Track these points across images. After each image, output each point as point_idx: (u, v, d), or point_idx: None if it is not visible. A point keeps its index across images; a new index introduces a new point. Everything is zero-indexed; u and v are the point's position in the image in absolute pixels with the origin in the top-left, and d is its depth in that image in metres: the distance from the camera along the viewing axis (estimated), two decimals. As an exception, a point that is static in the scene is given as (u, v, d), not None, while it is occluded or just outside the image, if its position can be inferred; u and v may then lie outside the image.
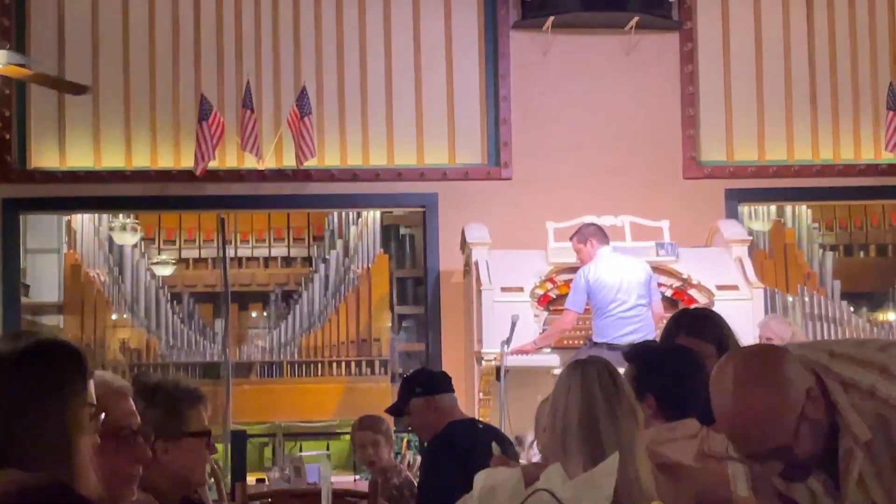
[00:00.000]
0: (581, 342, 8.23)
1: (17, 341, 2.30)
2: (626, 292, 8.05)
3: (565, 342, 8.25)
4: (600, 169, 9.47)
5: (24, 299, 9.76)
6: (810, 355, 2.62)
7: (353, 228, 10.37)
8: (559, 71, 9.59)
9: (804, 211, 10.45)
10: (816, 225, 10.69)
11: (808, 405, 2.52)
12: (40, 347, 2.30)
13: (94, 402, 2.32)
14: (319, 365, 10.11)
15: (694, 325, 4.26)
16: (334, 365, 10.03)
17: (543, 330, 8.35)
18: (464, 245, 8.93)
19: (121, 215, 10.61)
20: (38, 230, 10.88)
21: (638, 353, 3.92)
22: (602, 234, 8.28)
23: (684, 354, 3.87)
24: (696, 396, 3.02)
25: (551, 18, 9.40)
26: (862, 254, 11.21)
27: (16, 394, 2.23)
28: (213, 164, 9.14)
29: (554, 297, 8.55)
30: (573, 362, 3.47)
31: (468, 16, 9.65)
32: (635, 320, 8.05)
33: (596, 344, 8.06)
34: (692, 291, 8.54)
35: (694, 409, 3.19)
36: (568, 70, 9.59)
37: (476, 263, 8.50)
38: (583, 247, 8.25)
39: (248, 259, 11.07)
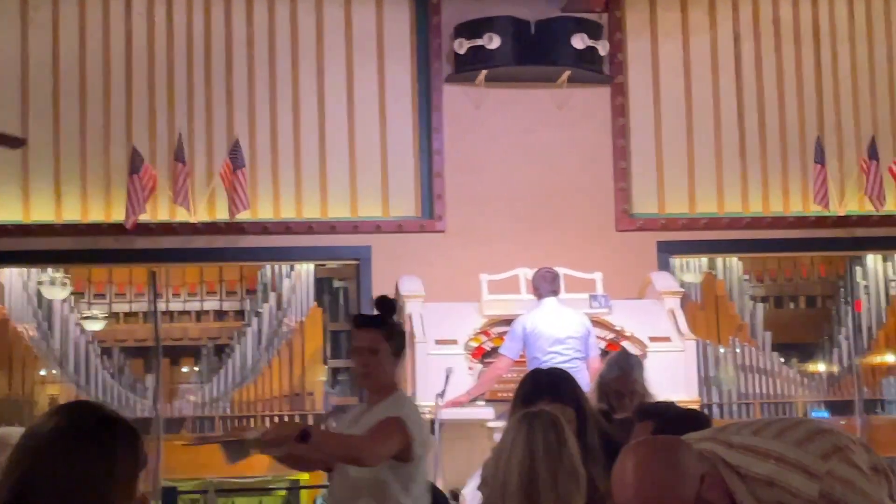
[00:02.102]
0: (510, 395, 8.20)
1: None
2: (562, 344, 8.05)
3: (499, 394, 8.22)
4: (534, 221, 9.51)
5: (-50, 355, 9.57)
6: (707, 447, 2.63)
7: (286, 281, 10.30)
8: (492, 124, 9.64)
9: (735, 263, 10.53)
10: (747, 277, 10.77)
11: (704, 489, 2.54)
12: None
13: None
14: (252, 420, 10.00)
15: (555, 388, 4.24)
16: (267, 420, 9.92)
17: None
18: (398, 298, 8.89)
19: (50, 269, 10.46)
20: (-35, 285, 10.69)
21: (656, 412, 3.86)
22: (549, 283, 8.27)
23: (699, 419, 3.83)
24: None
25: (484, 72, 9.46)
26: (792, 305, 11.30)
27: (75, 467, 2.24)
28: (144, 217, 9.06)
29: (488, 349, 8.54)
30: (523, 413, 3.43)
31: (401, 69, 9.68)
32: (571, 372, 8.01)
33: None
34: (625, 343, 8.55)
35: None
36: (501, 123, 9.65)
37: (410, 316, 8.48)
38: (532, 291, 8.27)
39: (180, 313, 10.95)
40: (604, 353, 8.42)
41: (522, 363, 8.11)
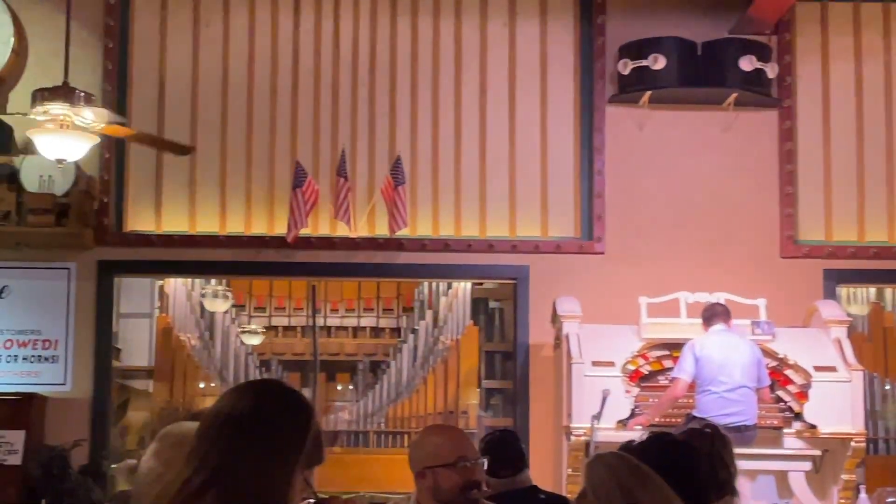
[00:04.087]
0: (680, 419, 8.07)
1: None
2: (730, 372, 7.93)
3: (659, 419, 8.09)
4: (695, 245, 9.35)
5: (115, 363, 9.81)
6: None
7: (442, 299, 10.31)
8: (655, 146, 9.52)
9: (905, 294, 10.22)
10: (917, 309, 10.44)
11: None
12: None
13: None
14: (406, 436, 10.02)
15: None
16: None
17: (635, 407, 8.21)
18: (554, 318, 8.84)
19: (213, 281, 10.67)
20: (132, 294, 10.96)
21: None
22: (719, 314, 8.21)
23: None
24: None
25: (648, 93, 9.35)
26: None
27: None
28: (305, 232, 9.17)
29: (646, 373, 8.42)
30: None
31: (565, 89, 9.63)
32: (737, 402, 7.90)
33: (694, 418, 7.89)
34: (789, 372, 8.35)
35: None
36: (664, 145, 9.52)
37: (567, 337, 8.40)
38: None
39: (338, 328, 11.05)
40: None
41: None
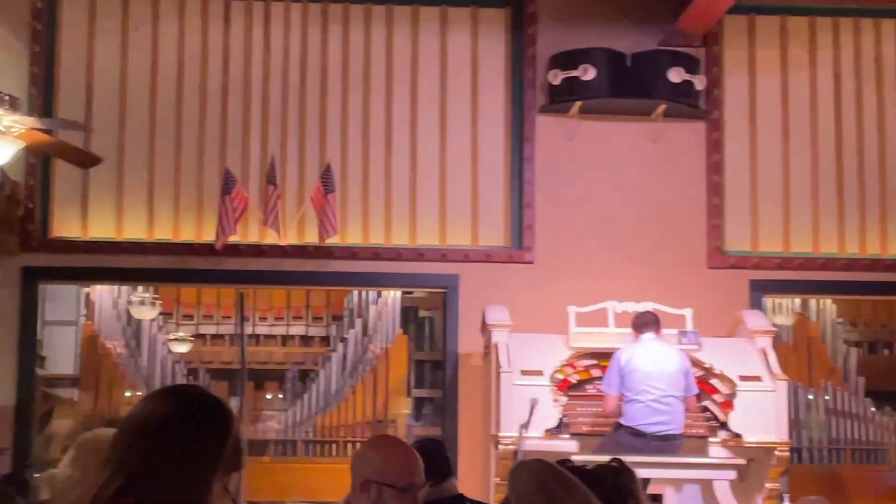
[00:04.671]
0: (609, 428, 8.12)
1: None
2: (657, 381, 7.98)
3: (584, 428, 8.13)
4: (624, 255, 9.41)
5: (39, 371, 9.67)
6: None
7: (372, 308, 10.29)
8: (585, 156, 9.57)
9: (829, 305, 10.33)
10: (841, 320, 10.55)
11: None
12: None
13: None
14: (334, 445, 9.98)
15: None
16: (349, 445, 9.89)
17: (563, 416, 8.24)
18: (484, 328, 8.85)
19: (140, 288, 10.56)
20: (57, 301, 10.84)
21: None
22: (648, 323, 8.26)
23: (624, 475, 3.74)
24: None
25: (578, 103, 9.40)
26: (886, 351, 11.06)
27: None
28: (234, 239, 9.11)
29: (574, 382, 8.45)
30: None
31: (495, 98, 9.66)
32: (665, 410, 7.96)
33: (621, 426, 7.97)
34: (715, 381, 8.42)
35: None
36: (594, 155, 9.57)
37: (496, 346, 8.41)
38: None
39: (266, 337, 10.99)
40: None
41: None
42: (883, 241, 9.68)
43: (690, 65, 9.40)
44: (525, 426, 7.74)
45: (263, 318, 10.96)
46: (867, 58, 9.86)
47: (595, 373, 8.50)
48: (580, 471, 3.71)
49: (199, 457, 2.29)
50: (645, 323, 8.28)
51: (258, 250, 9.35)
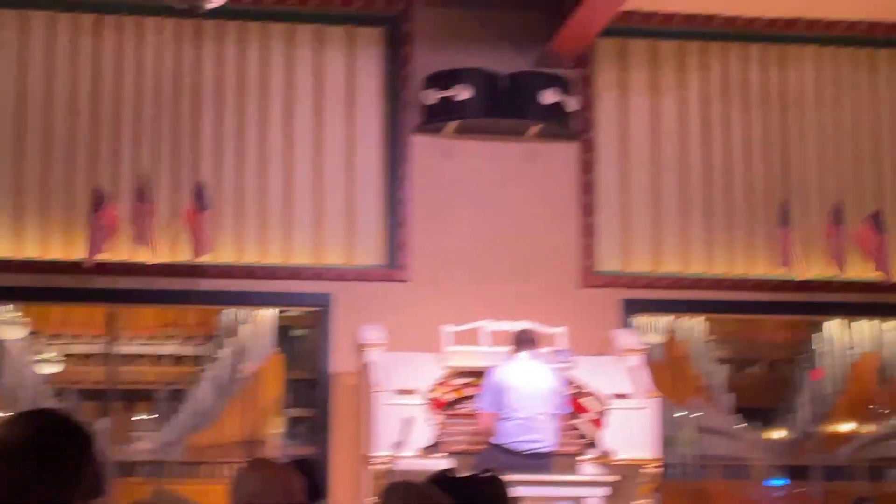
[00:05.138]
0: (483, 446, 8.15)
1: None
2: (531, 399, 8.04)
3: (454, 447, 8.14)
4: (498, 274, 9.47)
5: None
6: None
7: (246, 327, 10.19)
8: (460, 175, 9.63)
9: (698, 324, 10.51)
10: (710, 338, 10.74)
11: None
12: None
13: None
14: (206, 466, 9.85)
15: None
16: (221, 466, 9.77)
17: (437, 435, 8.24)
18: (358, 346, 8.82)
19: (7, 308, 10.30)
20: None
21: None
22: (525, 341, 8.33)
23: (496, 485, 3.76)
24: None
25: (453, 123, 9.46)
26: (753, 369, 11.29)
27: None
28: (104, 257, 8.96)
29: (448, 400, 8.48)
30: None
31: (371, 117, 9.67)
32: (537, 428, 8.02)
33: (494, 446, 8.00)
34: (586, 399, 8.51)
35: None
36: (469, 175, 9.63)
37: (370, 365, 8.41)
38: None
39: (137, 356, 10.80)
40: (565, 407, 8.41)
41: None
42: (749, 261, 9.89)
43: (563, 86, 9.51)
44: (399, 445, 7.74)
45: (134, 338, 10.77)
46: (735, 81, 10.08)
47: (469, 391, 8.54)
48: (461, 481, 3.72)
49: (56, 484, 2.21)
50: (521, 342, 8.35)
51: (129, 268, 9.21)
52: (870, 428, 10.21)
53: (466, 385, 8.57)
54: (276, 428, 10.19)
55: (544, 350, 8.56)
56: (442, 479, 3.78)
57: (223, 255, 9.34)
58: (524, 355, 8.28)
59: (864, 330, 10.53)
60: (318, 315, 9.51)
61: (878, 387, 10.38)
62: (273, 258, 9.43)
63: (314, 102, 9.63)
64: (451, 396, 8.51)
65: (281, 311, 10.17)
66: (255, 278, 9.35)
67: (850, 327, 10.52)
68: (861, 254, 9.47)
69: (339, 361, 9.27)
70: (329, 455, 9.18)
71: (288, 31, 9.66)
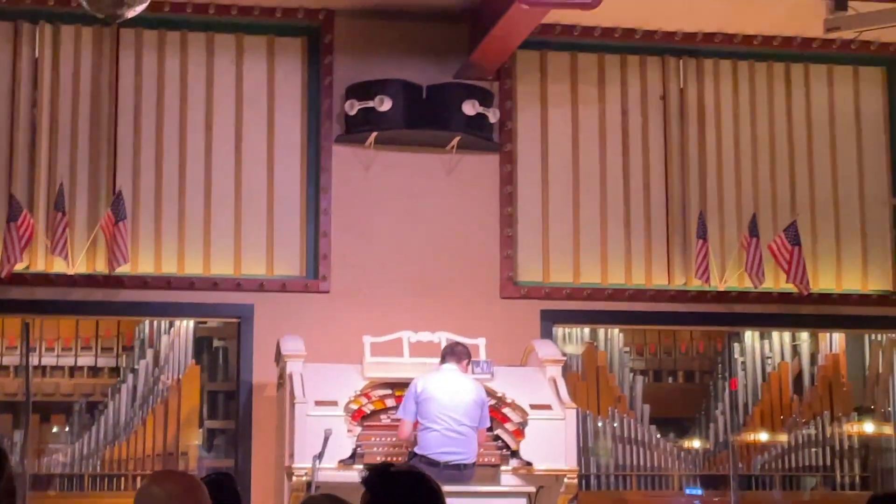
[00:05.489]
0: (402, 458, 8.14)
1: None
2: (452, 411, 8.05)
3: (377, 458, 8.12)
4: (419, 285, 9.48)
5: None
6: None
7: (164, 338, 10.10)
8: (381, 186, 9.62)
9: (617, 334, 10.60)
10: (628, 349, 10.84)
11: None
12: None
13: None
14: (123, 479, 9.74)
15: None
16: (139, 479, 9.66)
17: (357, 446, 8.22)
18: (278, 358, 8.78)
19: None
20: None
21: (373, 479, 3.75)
22: (451, 353, 8.37)
23: (422, 482, 3.75)
24: None
25: (374, 134, 9.45)
26: (671, 379, 11.39)
27: None
28: (19, 267, 8.84)
29: (368, 412, 8.46)
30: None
31: (291, 127, 9.64)
32: (458, 440, 8.02)
33: (415, 455, 7.99)
34: (506, 410, 8.54)
35: None
36: (390, 186, 9.63)
37: (290, 376, 8.36)
38: None
39: (53, 368, 10.66)
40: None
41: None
42: (668, 273, 10.00)
43: (484, 98, 9.55)
44: (319, 457, 7.71)
45: (50, 349, 10.63)
46: (653, 94, 10.19)
47: (390, 402, 8.54)
48: (404, 474, 3.67)
49: None
50: (447, 353, 8.37)
51: (45, 279, 9.10)
52: (785, 437, 10.34)
53: (387, 396, 8.57)
54: (194, 440, 10.10)
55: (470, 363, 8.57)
56: (378, 473, 3.74)
57: (141, 265, 9.26)
58: (449, 367, 8.30)
59: (780, 340, 10.68)
60: (237, 326, 9.45)
61: (793, 397, 10.53)
62: (192, 268, 9.36)
63: (234, 112, 9.58)
64: (372, 408, 8.50)
65: (200, 323, 10.09)
66: (173, 289, 9.28)
67: (765, 338, 10.67)
68: (776, 265, 9.60)
69: (259, 373, 9.22)
70: (249, 467, 9.12)
71: (208, 40, 9.61)
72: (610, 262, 9.95)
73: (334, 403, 8.26)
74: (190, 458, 9.95)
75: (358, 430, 8.31)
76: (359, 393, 8.49)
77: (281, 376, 8.75)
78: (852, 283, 10.27)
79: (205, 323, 10.23)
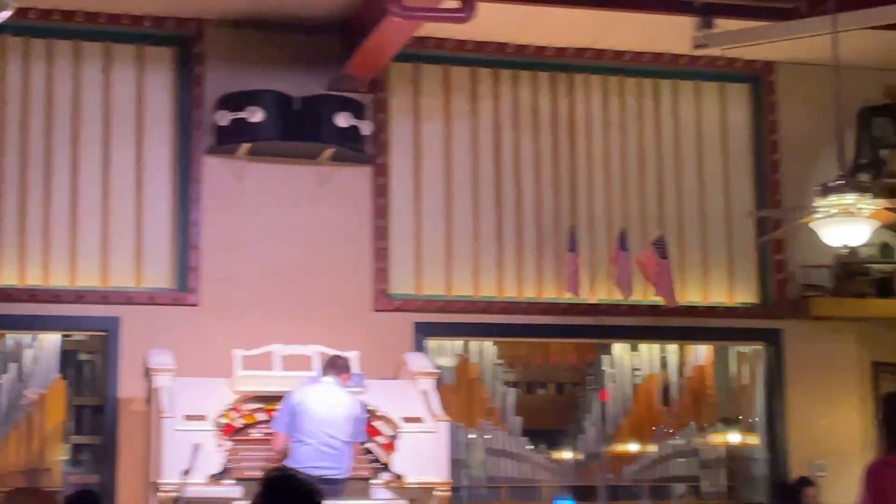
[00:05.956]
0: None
1: None
2: (327, 425, 8.00)
3: (246, 473, 8.04)
4: (291, 298, 9.42)
5: None
6: None
7: (29, 352, 9.87)
8: (253, 198, 9.54)
9: (489, 347, 10.64)
10: (500, 361, 10.88)
11: None
12: None
13: None
14: (-16, 496, 9.49)
15: None
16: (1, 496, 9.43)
17: (227, 461, 8.12)
18: (147, 372, 8.64)
19: None
20: None
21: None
22: (331, 366, 8.32)
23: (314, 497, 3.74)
24: None
25: (246, 145, 9.37)
26: (542, 391, 11.48)
27: None
28: None
29: (239, 426, 8.38)
30: None
31: (161, 138, 9.52)
32: (332, 455, 7.99)
33: (286, 469, 7.90)
34: (378, 423, 8.52)
35: None
36: (262, 198, 9.56)
37: (158, 390, 8.24)
38: None
39: (-88, 383, 10.34)
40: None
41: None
42: (539, 286, 10.08)
43: (357, 110, 9.53)
44: (187, 472, 7.60)
45: None
46: (525, 108, 10.28)
47: (260, 416, 8.46)
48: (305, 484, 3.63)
49: None
50: (327, 366, 8.33)
51: None
52: (653, 448, 10.48)
53: (258, 410, 8.49)
54: (60, 455, 9.89)
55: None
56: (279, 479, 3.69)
57: (5, 277, 9.06)
58: (329, 380, 8.25)
59: (649, 352, 10.82)
60: (104, 339, 9.28)
61: (662, 407, 10.68)
62: (58, 280, 9.17)
63: (102, 121, 9.42)
64: (242, 422, 8.41)
65: (66, 336, 9.89)
66: (38, 301, 9.08)
67: (634, 350, 10.80)
68: (645, 278, 9.74)
69: (126, 387, 9.06)
70: (115, 483, 8.96)
71: (75, 49, 9.43)
72: (482, 275, 10.00)
73: (203, 418, 8.15)
74: (54, 474, 9.74)
75: (228, 444, 8.21)
76: (229, 407, 8.40)
77: (149, 390, 8.60)
78: (718, 295, 10.47)
79: (71, 336, 10.02)
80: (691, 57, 10.25)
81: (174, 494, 7.76)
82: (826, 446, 10.29)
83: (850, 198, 7.89)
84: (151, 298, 9.27)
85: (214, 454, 8.03)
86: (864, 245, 9.77)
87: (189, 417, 8.10)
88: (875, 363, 10.72)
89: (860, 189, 8.01)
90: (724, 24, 9.11)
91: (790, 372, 10.41)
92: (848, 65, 9.43)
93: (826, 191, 7.97)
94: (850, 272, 10.50)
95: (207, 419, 8.17)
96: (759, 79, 10.73)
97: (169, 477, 7.85)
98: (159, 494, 7.91)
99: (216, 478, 7.98)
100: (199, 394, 8.34)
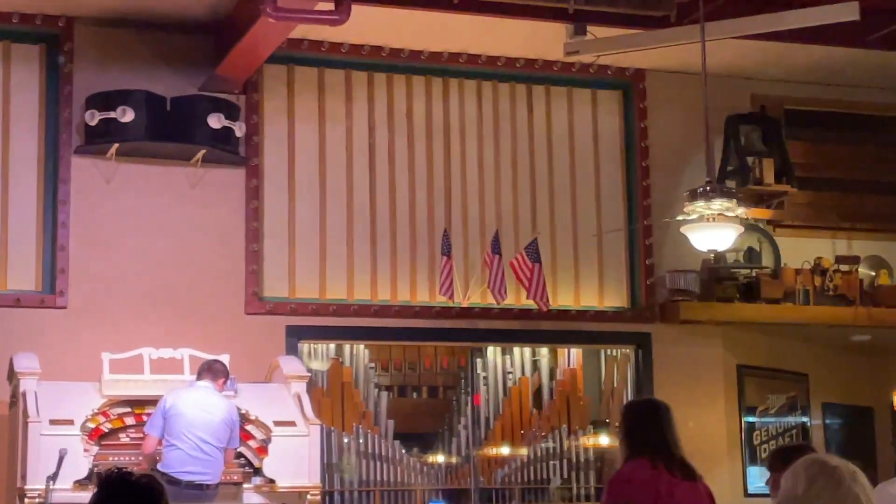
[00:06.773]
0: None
1: None
2: (198, 430, 7.92)
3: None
4: (162, 301, 9.30)
5: None
6: None
7: None
8: (123, 199, 9.40)
9: (362, 350, 10.63)
10: (373, 365, 10.88)
11: None
12: None
13: None
14: None
15: None
16: None
17: (94, 466, 7.98)
18: (11, 376, 8.45)
19: None
20: None
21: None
22: (206, 370, 8.25)
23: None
24: None
25: (116, 146, 9.23)
26: (415, 394, 11.49)
27: None
28: None
29: (106, 430, 8.24)
30: None
31: (28, 137, 9.33)
32: (203, 460, 7.90)
33: (157, 472, 7.81)
34: (250, 427, 8.46)
35: None
36: (132, 199, 9.42)
37: (24, 394, 8.07)
38: None
39: None
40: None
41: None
42: (412, 289, 10.10)
43: (230, 111, 9.45)
44: (53, 478, 7.46)
45: None
46: (399, 111, 10.30)
47: (129, 420, 8.35)
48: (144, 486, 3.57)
49: None
50: (202, 370, 8.26)
51: None
52: (525, 451, 10.56)
53: (126, 414, 8.36)
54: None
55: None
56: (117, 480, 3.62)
57: None
58: (204, 384, 8.18)
59: (521, 356, 10.90)
60: (-33, 343, 9.05)
61: (533, 411, 10.77)
62: (-82, 282, 8.94)
63: (-33, 119, 9.21)
64: (110, 426, 8.27)
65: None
66: None
67: (507, 353, 10.87)
68: (517, 282, 9.81)
69: (-10, 391, 8.85)
70: (-22, 490, 8.74)
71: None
72: (356, 278, 9.99)
73: (70, 422, 8.00)
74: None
75: (95, 449, 8.08)
76: (97, 411, 8.26)
77: (14, 395, 8.43)
78: (589, 299, 10.60)
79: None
80: (564, 63, 10.37)
81: (39, 501, 7.61)
82: (692, 448, 10.38)
83: (717, 203, 8.06)
84: (17, 301, 9.08)
85: (81, 459, 7.88)
86: (731, 250, 10.02)
87: (55, 422, 7.94)
88: (740, 366, 10.96)
89: (727, 195, 8.19)
90: (596, 31, 9.24)
91: (658, 375, 10.57)
92: (716, 73, 9.67)
93: (694, 196, 8.13)
94: (717, 277, 10.71)
95: (74, 423, 8.02)
96: (630, 86, 10.89)
97: (34, 483, 7.69)
98: (25, 500, 7.74)
99: (83, 483, 7.83)
100: (66, 398, 8.19)
